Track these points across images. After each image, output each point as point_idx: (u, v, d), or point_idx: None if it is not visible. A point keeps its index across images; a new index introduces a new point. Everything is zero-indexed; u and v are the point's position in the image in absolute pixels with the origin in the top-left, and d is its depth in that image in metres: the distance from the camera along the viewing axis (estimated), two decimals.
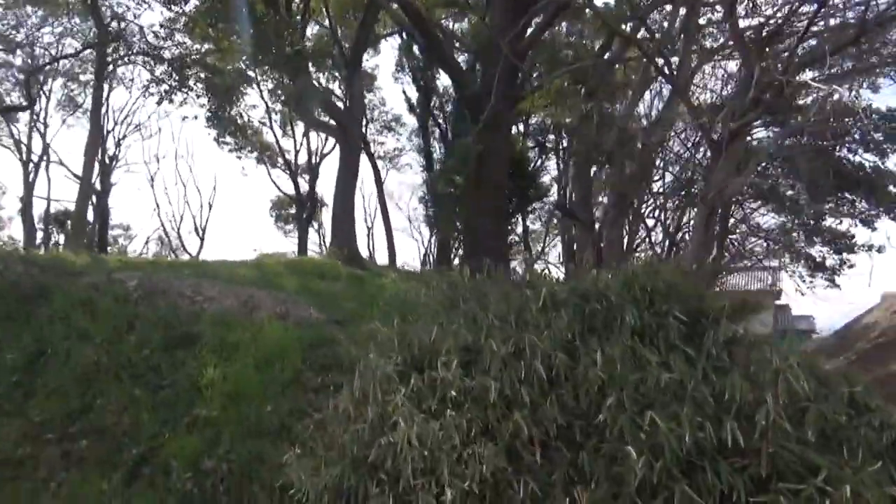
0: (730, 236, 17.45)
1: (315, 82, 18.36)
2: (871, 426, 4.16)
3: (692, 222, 16.88)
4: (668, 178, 16.99)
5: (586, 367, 4.63)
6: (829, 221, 17.50)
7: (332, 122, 18.49)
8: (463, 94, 11.85)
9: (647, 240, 17.48)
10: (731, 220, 17.11)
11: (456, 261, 28.86)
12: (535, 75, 14.28)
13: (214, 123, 19.95)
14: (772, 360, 4.26)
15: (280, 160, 31.48)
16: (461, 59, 20.47)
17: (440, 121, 30.16)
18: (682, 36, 10.90)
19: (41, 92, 26.01)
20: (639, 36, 12.60)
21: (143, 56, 17.28)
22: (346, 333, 8.05)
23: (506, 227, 12.69)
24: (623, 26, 13.33)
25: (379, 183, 29.33)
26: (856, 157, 16.01)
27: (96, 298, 8.02)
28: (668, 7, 12.32)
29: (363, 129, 24.98)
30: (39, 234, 28.69)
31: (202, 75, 17.15)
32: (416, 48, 29.50)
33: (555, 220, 26.74)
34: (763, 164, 14.92)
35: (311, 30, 20.00)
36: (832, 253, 18.05)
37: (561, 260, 26.19)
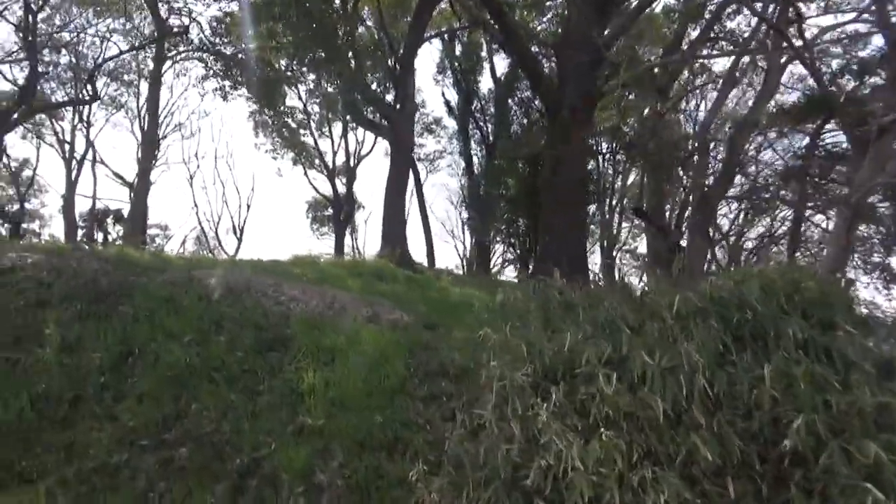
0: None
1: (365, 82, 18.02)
2: None
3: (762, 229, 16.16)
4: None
5: (750, 384, 4.13)
6: None
7: (384, 121, 18.17)
8: (540, 92, 11.37)
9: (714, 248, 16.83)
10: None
11: (504, 266, 28.52)
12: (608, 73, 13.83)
13: (269, 122, 19.64)
14: None
15: (317, 161, 31.25)
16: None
17: (481, 124, 29.87)
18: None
19: (86, 90, 26.05)
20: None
21: (199, 52, 17.06)
22: (440, 338, 7.63)
23: (584, 229, 12.16)
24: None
25: (418, 185, 28.95)
26: None
27: (178, 296, 7.65)
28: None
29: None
30: (79, 233, 28.68)
31: (256, 71, 16.89)
32: (458, 50, 29.28)
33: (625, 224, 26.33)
34: None
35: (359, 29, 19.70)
36: None
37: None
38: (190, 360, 6.60)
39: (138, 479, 5.60)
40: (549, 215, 10.88)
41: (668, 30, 16.61)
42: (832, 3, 13.55)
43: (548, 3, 20.19)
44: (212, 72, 17.49)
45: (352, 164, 32.01)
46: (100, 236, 29.50)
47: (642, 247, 28.89)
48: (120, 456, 5.75)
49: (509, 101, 28.51)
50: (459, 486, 4.51)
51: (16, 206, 30.33)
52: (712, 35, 13.41)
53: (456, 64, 28.41)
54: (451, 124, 31.50)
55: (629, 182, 25.29)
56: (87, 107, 26.67)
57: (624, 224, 27.31)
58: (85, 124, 27.03)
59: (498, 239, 29.44)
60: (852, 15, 11.60)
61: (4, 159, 27.37)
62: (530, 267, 15.54)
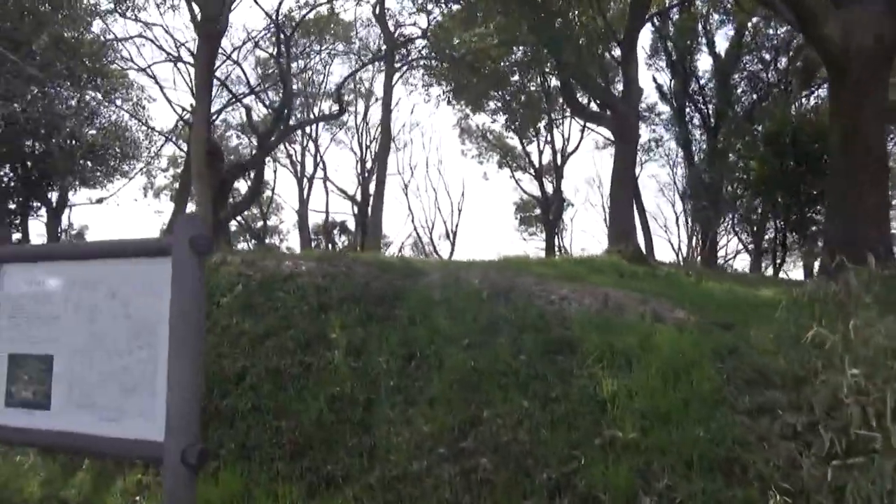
0: None
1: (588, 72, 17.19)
2: None
3: None
4: None
5: None
6: None
7: (608, 111, 17.22)
8: (826, 58, 9.64)
9: None
10: None
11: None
12: None
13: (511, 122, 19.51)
14: None
15: (524, 161, 31.07)
16: None
17: (700, 106, 27.54)
18: None
19: (311, 112, 28.46)
20: None
21: (424, 60, 17.57)
22: (740, 339, 6.55)
23: (887, 207, 10.16)
24: None
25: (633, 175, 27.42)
26: None
27: (451, 298, 7.47)
28: None
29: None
30: (312, 245, 31.43)
31: (484, 71, 16.91)
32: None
33: None
34: None
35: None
36: None
37: None
38: (475, 363, 6.29)
39: (441, 488, 5.34)
40: (842, 191, 9.08)
41: None
42: None
43: None
44: (436, 79, 17.85)
45: (558, 162, 31.38)
46: (329, 247, 32.15)
47: None
48: (420, 463, 5.55)
49: (734, 77, 25.92)
50: None
51: (259, 223, 34.24)
52: None
53: (670, 44, 26.48)
54: (665, 110, 29.49)
55: None
56: (313, 127, 29.18)
57: None
58: (314, 143, 29.60)
59: (720, 230, 26.93)
60: None
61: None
62: (817, 256, 13.47)
